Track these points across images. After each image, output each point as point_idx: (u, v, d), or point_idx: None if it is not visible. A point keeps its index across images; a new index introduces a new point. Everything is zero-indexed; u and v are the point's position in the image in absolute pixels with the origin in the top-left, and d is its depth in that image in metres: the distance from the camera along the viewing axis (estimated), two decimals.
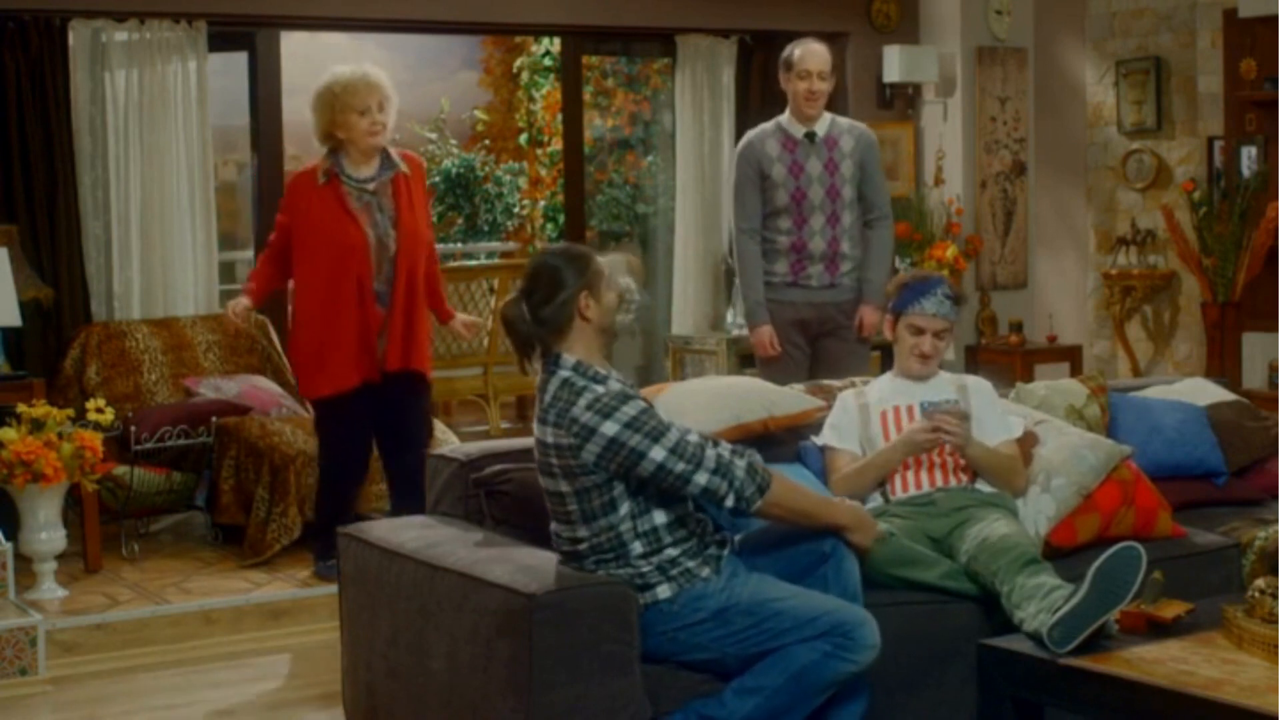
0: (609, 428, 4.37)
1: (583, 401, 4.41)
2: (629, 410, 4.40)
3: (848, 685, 4.45)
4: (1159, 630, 4.37)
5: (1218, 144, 9.94)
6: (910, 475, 5.30)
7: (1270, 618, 4.19)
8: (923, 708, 4.85)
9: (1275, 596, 4.22)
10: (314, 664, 6.10)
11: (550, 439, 4.46)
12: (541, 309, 4.50)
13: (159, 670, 6.18)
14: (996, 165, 10.43)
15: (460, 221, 14.84)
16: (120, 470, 7.39)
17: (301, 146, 17.13)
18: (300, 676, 6.02)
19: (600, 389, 4.44)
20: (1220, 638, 4.31)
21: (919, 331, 5.40)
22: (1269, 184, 9.50)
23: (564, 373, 4.49)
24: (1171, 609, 4.45)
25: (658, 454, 4.38)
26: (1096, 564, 4.30)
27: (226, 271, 12.37)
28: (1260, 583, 4.32)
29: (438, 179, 14.84)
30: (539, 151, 14.59)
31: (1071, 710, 4.66)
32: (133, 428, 7.46)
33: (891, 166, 10.53)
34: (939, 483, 5.27)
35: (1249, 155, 9.69)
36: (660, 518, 4.49)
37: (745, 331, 9.74)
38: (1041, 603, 4.47)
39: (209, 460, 7.69)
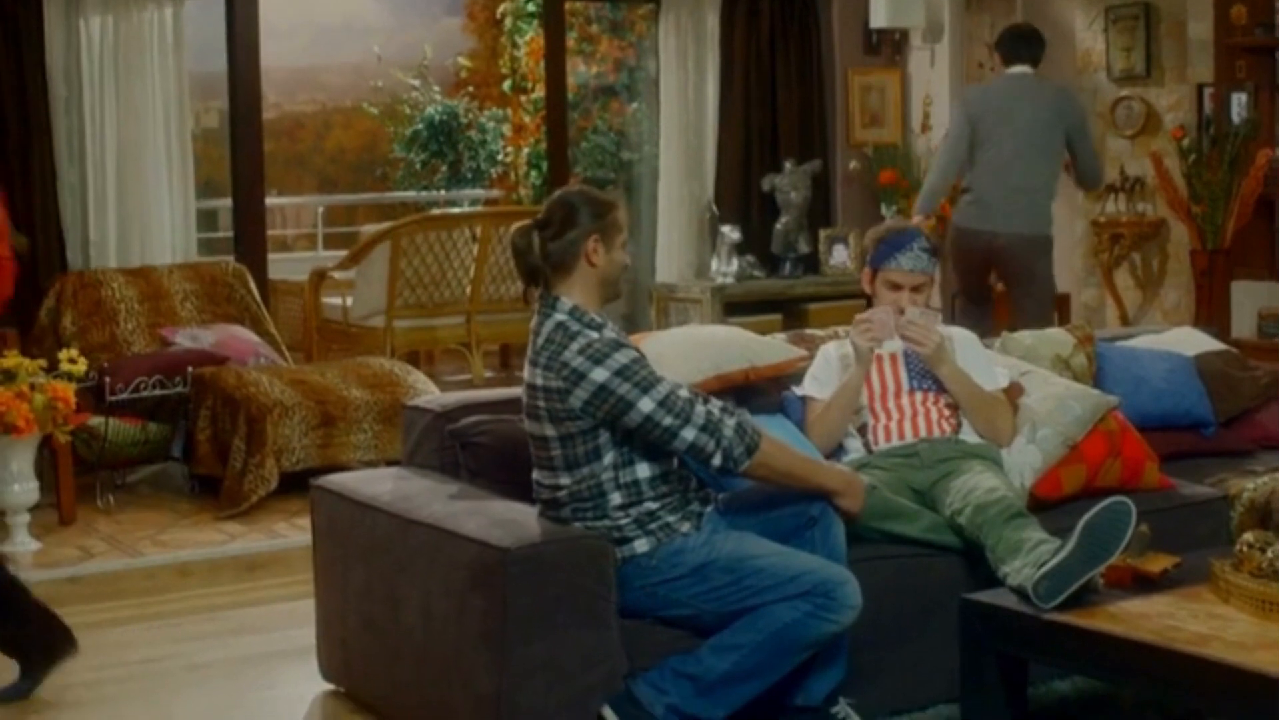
0: (599, 374, 4.29)
1: (575, 346, 4.33)
2: (621, 358, 4.32)
3: (825, 649, 4.38)
4: (1145, 584, 4.29)
5: (1207, 90, 9.82)
6: (894, 426, 5.22)
7: (1258, 572, 4.11)
8: (905, 662, 4.78)
9: (1264, 550, 4.14)
10: (290, 617, 6.01)
11: (539, 382, 4.39)
12: (551, 242, 4.44)
13: (133, 624, 6.10)
14: None
15: (443, 169, 14.75)
16: (95, 421, 7.30)
17: (284, 94, 17.11)
18: (276, 630, 5.94)
19: (594, 335, 4.37)
20: (1207, 592, 4.23)
21: (896, 287, 5.31)
22: (1259, 131, 9.41)
23: (559, 316, 4.41)
24: (1158, 563, 4.37)
25: (646, 405, 4.30)
26: (1085, 519, 4.22)
27: (209, 219, 12.32)
28: (1248, 536, 4.24)
29: (420, 126, 14.74)
30: (523, 98, 14.48)
31: (1056, 666, 4.61)
32: (107, 378, 7.36)
33: (878, 113, 10.47)
34: (922, 434, 5.19)
35: (1239, 102, 9.58)
36: (643, 471, 4.42)
37: (730, 280, 9.71)
38: (1027, 557, 4.38)
39: (185, 411, 7.59)
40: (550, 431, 4.40)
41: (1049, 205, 8.51)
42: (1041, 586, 4.18)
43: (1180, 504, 5.37)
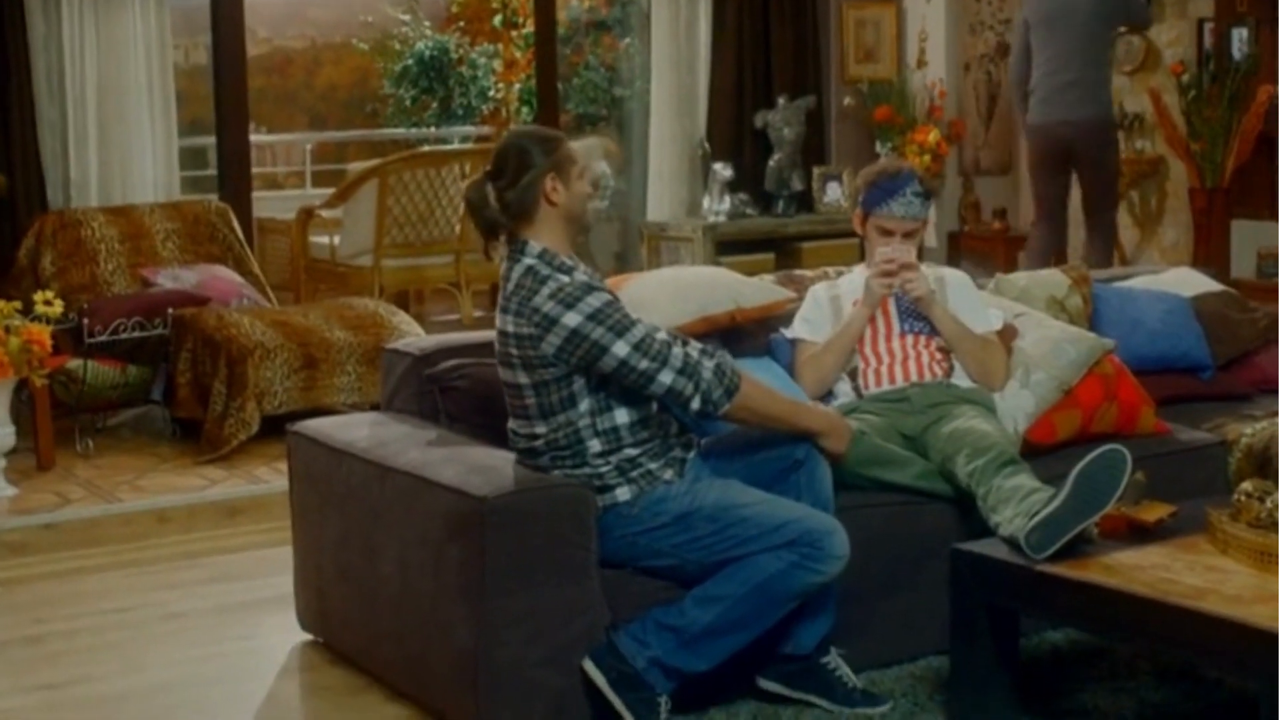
0: (571, 319, 4.16)
1: (546, 290, 4.20)
2: (593, 302, 4.19)
3: (814, 598, 4.27)
4: (1141, 534, 4.17)
5: (1208, 26, 9.70)
6: (884, 370, 5.10)
7: (1257, 522, 3.99)
8: (894, 613, 4.68)
9: (1262, 500, 4.02)
10: (269, 564, 5.89)
11: (511, 328, 4.26)
12: (507, 192, 4.29)
13: (110, 571, 5.99)
14: (980, 47, 10.20)
15: (434, 105, 14.60)
16: (73, 364, 7.17)
17: (273, 29, 16.92)
18: (254, 578, 5.83)
19: (565, 279, 4.23)
20: (1204, 542, 4.10)
21: (887, 233, 5.18)
22: (1259, 67, 9.28)
23: (528, 260, 4.28)
24: (1154, 512, 4.25)
25: (621, 349, 4.17)
26: (1079, 467, 4.09)
27: (199, 157, 12.18)
28: (1247, 486, 4.11)
29: (410, 62, 14.55)
30: (513, 33, 14.29)
31: (1048, 619, 4.52)
32: (85, 320, 7.23)
33: (873, 48, 10.32)
34: (914, 377, 5.06)
35: (1240, 37, 9.46)
36: (622, 417, 4.29)
37: (722, 218, 9.58)
38: (1019, 506, 4.26)
39: (166, 353, 7.46)
40: (524, 379, 4.27)
41: (1109, 92, 9.03)
42: (1033, 537, 4.06)
43: (1177, 450, 5.25)
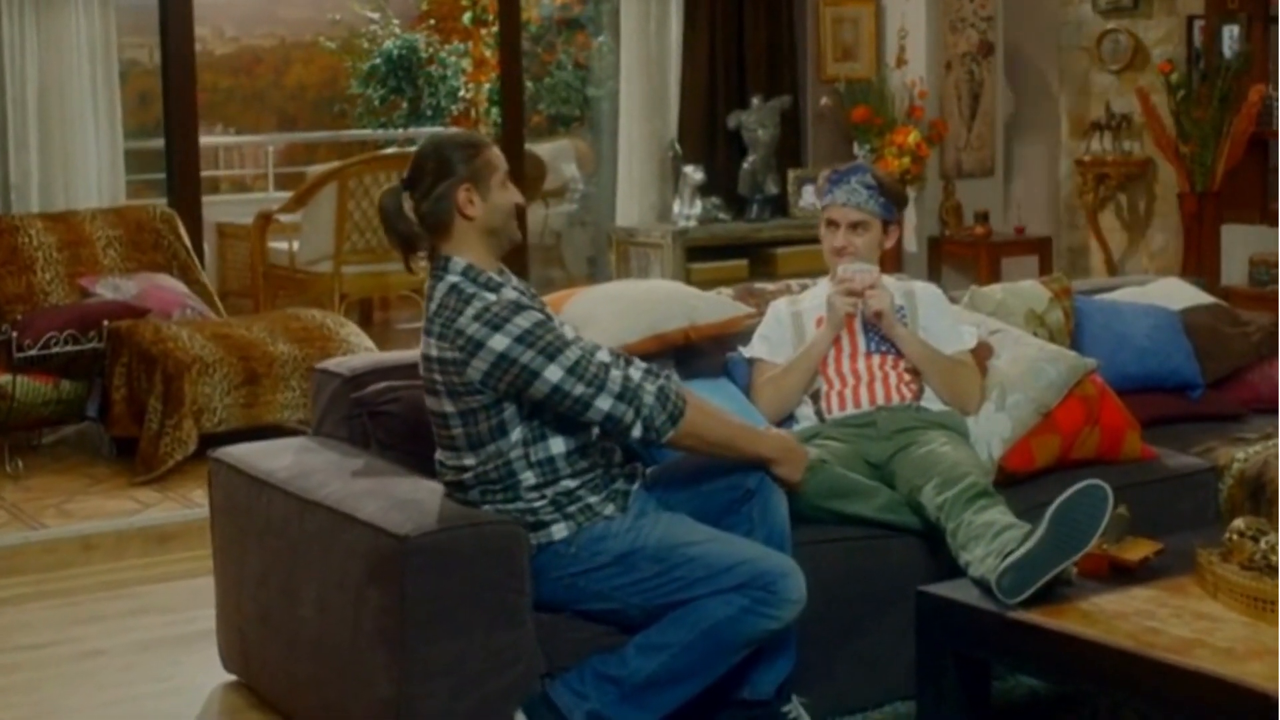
0: (498, 341, 3.83)
1: (470, 311, 3.87)
2: (522, 322, 3.85)
3: (771, 642, 3.94)
4: (1123, 575, 3.86)
5: (1198, 23, 9.48)
6: (849, 392, 4.76)
7: (1249, 564, 3.65)
8: (858, 657, 4.34)
9: (1256, 540, 3.69)
10: (198, 595, 5.52)
11: (434, 352, 3.94)
12: (422, 203, 3.98)
13: (29, 603, 5.65)
14: (963, 45, 9.92)
15: (403, 106, 14.32)
16: (2, 380, 6.81)
17: (241, 27, 16.60)
18: (181, 611, 5.49)
19: (491, 297, 3.90)
20: (1193, 585, 3.79)
21: (833, 225, 4.87)
22: (1251, 65, 9.03)
23: (452, 278, 3.95)
24: (1137, 550, 3.93)
25: (553, 374, 3.83)
26: (1056, 503, 3.77)
27: (153, 160, 11.86)
28: (1239, 523, 3.78)
29: (378, 61, 14.24)
30: (483, 31, 13.99)
31: (1020, 670, 4.18)
32: (14, 333, 6.87)
33: (851, 46, 10.03)
34: (880, 400, 4.72)
35: (1231, 35, 9.26)
36: (558, 446, 3.96)
37: (693, 223, 9.25)
38: (991, 545, 3.93)
39: (101, 368, 7.10)
40: (449, 407, 3.93)
41: None
42: (1006, 579, 3.74)
43: (1164, 476, 4.93)
